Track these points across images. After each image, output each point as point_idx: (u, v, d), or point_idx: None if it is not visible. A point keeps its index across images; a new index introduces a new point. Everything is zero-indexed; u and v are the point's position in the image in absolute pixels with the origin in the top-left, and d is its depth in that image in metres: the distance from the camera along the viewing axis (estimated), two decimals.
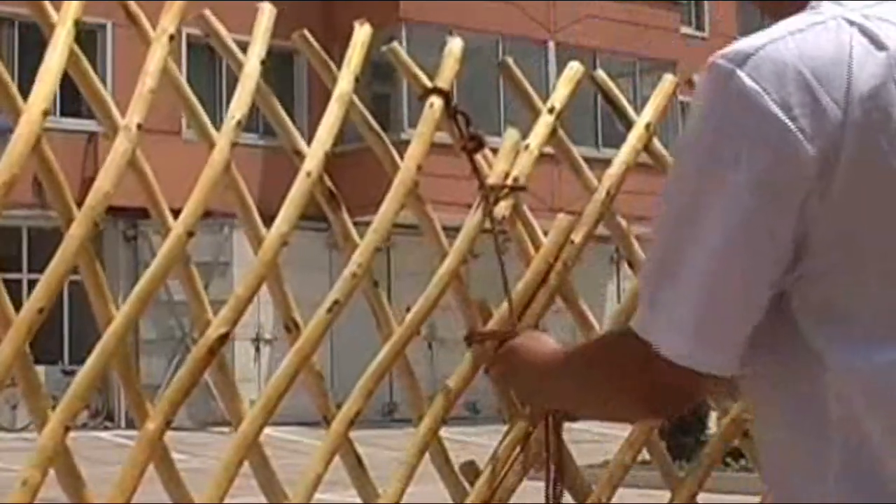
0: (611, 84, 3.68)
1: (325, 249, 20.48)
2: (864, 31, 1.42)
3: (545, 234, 3.39)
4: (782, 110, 1.38)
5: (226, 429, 3.37)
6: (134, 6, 3.00)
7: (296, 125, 3.30)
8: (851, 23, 1.42)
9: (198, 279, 3.03)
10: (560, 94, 3.48)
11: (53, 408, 2.67)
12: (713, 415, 8.03)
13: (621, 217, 3.58)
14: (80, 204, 2.73)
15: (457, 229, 3.20)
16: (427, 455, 3.18)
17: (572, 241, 3.35)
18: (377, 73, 16.88)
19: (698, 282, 1.43)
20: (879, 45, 1.41)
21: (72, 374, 3.23)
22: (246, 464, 2.94)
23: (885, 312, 1.43)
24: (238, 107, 3.01)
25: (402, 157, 3.23)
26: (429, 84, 3.27)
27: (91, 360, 2.72)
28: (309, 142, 3.13)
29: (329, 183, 3.17)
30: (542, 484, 2.94)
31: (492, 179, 3.26)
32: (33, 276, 17.54)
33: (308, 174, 3.05)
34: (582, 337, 3.37)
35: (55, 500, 2.86)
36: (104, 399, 21.99)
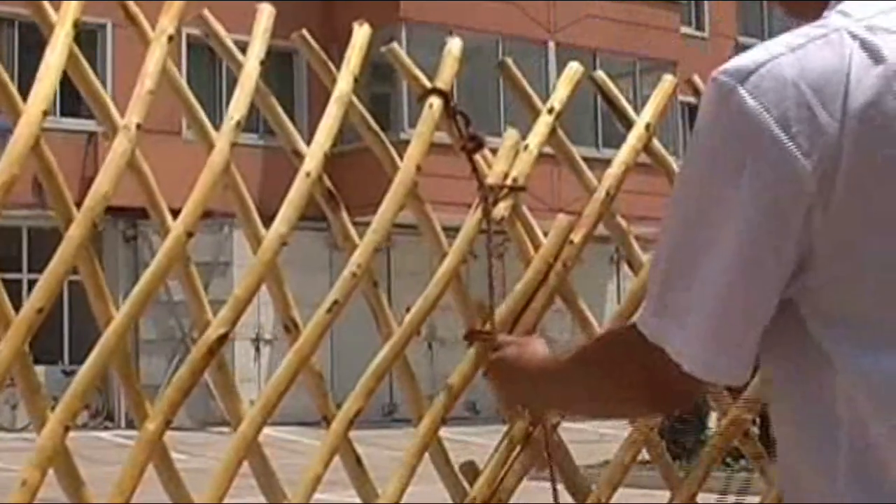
0: (610, 84, 3.68)
1: (325, 249, 20.47)
2: (865, 45, 1.43)
3: (545, 234, 3.39)
4: (781, 128, 1.40)
5: (225, 429, 3.37)
6: (133, 6, 3.00)
7: (296, 125, 3.30)
8: (854, 36, 1.43)
9: (197, 279, 3.03)
10: (560, 94, 3.48)
11: (53, 408, 2.68)
12: (713, 415, 8.03)
13: (621, 217, 3.58)
14: (80, 204, 2.73)
15: (456, 229, 3.21)
16: (427, 455, 3.18)
17: (572, 242, 3.35)
18: (377, 73, 16.92)
19: (710, 293, 1.45)
20: (878, 57, 1.42)
21: (72, 374, 3.23)
22: (245, 464, 2.94)
23: (891, 319, 1.44)
24: (237, 107, 3.01)
25: (401, 158, 3.23)
26: (428, 84, 3.27)
27: (91, 360, 2.72)
28: (309, 142, 3.13)
29: (328, 183, 3.17)
30: (542, 484, 2.94)
31: (491, 180, 3.26)
32: (33, 276, 17.52)
33: (307, 174, 3.05)
34: (582, 337, 3.37)
35: (55, 500, 2.86)
36: (104, 399, 21.99)
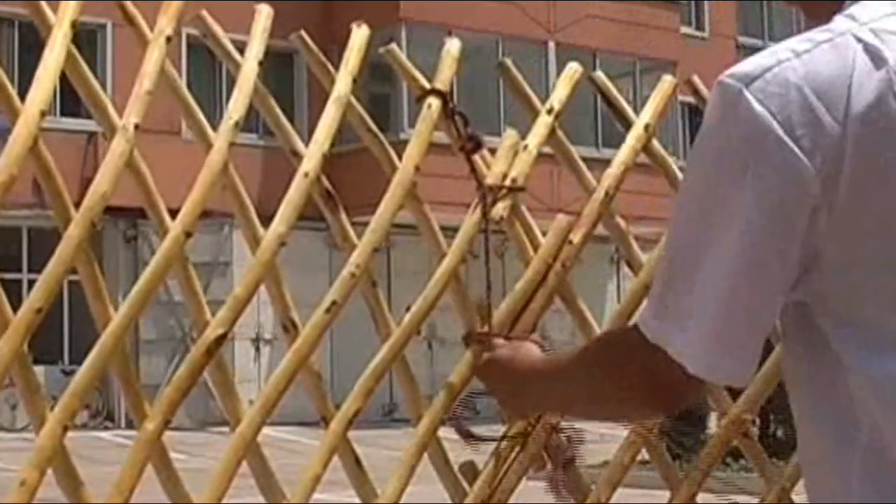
0: (610, 85, 3.68)
1: (324, 249, 20.47)
2: (868, 48, 1.44)
3: (544, 234, 3.39)
4: (786, 131, 1.42)
5: (224, 429, 3.37)
6: (131, 7, 3.00)
7: (295, 126, 3.30)
8: (858, 40, 1.45)
9: (196, 279, 3.03)
10: (559, 94, 3.48)
11: (52, 408, 2.68)
12: (713, 415, 8.03)
13: (620, 217, 3.58)
14: (79, 204, 2.73)
15: (455, 229, 3.21)
16: (426, 455, 3.18)
17: (571, 242, 3.35)
18: (376, 73, 16.90)
19: (714, 295, 1.46)
20: (881, 60, 1.44)
21: (71, 374, 3.23)
22: (244, 464, 2.94)
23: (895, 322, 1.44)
24: (236, 108, 3.01)
25: (400, 158, 3.24)
26: (427, 85, 3.27)
27: (90, 361, 2.72)
28: (307, 142, 3.14)
29: (327, 183, 3.18)
30: (542, 484, 2.94)
31: (490, 180, 3.26)
32: (33, 276, 17.53)
33: (306, 175, 3.05)
34: (582, 337, 3.37)
35: (54, 500, 2.86)
36: (104, 399, 21.99)
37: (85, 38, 18.74)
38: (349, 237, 3.18)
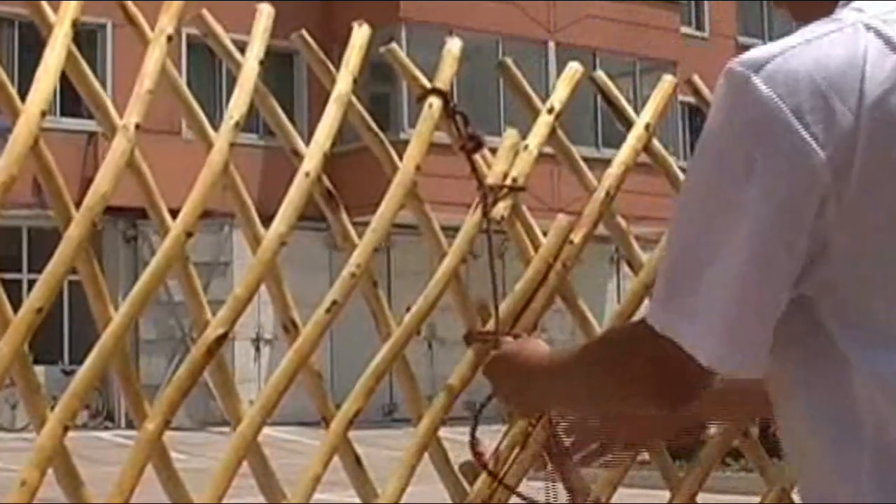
0: (610, 84, 3.68)
1: (325, 249, 20.47)
2: (880, 35, 1.43)
3: (544, 234, 3.39)
4: (796, 117, 1.40)
5: (225, 429, 3.37)
6: (132, 6, 3.00)
7: (295, 126, 3.30)
8: (868, 28, 1.43)
9: (196, 279, 3.03)
10: (559, 94, 3.48)
11: (52, 408, 2.67)
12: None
13: (621, 217, 3.58)
14: (79, 204, 2.73)
15: (456, 229, 3.21)
16: (427, 455, 3.18)
17: (571, 242, 3.35)
18: (376, 73, 16.89)
19: (723, 288, 1.45)
20: (894, 47, 1.42)
21: (71, 374, 3.23)
22: (245, 464, 2.94)
23: None
24: (236, 107, 3.01)
25: (400, 158, 3.24)
26: (427, 84, 3.27)
27: (90, 361, 2.72)
28: (308, 142, 3.14)
29: (328, 183, 3.17)
30: (542, 484, 2.94)
31: (491, 179, 3.26)
32: (33, 276, 17.53)
33: (307, 174, 3.05)
34: (582, 337, 3.37)
35: (54, 500, 2.85)
36: (104, 399, 21.98)
37: (85, 38, 18.74)
38: (350, 237, 3.18)
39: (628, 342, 1.61)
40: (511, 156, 3.33)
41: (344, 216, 3.21)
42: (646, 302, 3.21)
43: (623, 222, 3.58)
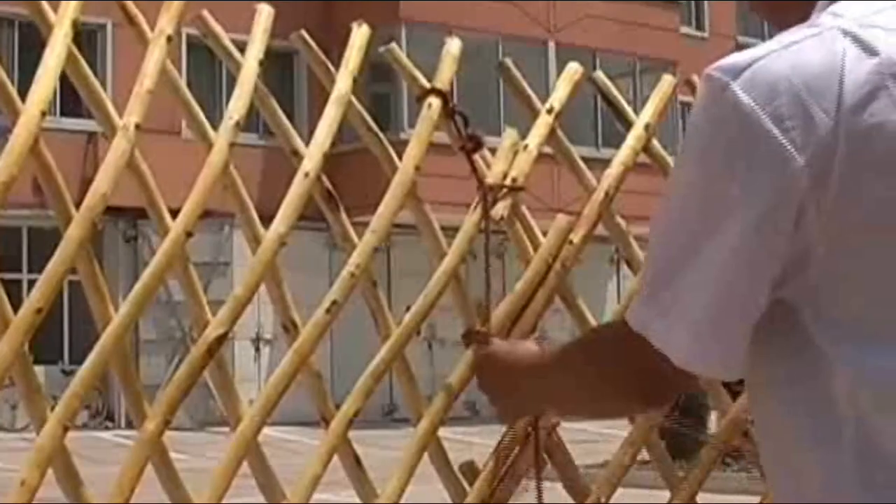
0: (610, 85, 3.68)
1: (324, 249, 20.47)
2: (858, 40, 1.43)
3: (544, 234, 3.39)
4: (774, 123, 1.40)
5: (225, 429, 3.37)
6: (132, 7, 3.00)
7: (295, 126, 3.30)
8: (846, 33, 1.43)
9: (196, 279, 3.03)
10: (559, 94, 3.49)
11: (53, 408, 2.68)
12: (713, 415, 8.03)
13: (620, 217, 3.58)
14: (79, 204, 2.73)
15: (455, 229, 3.21)
16: (427, 455, 3.18)
17: (571, 242, 3.35)
18: (376, 73, 16.90)
19: (702, 287, 1.46)
20: (871, 51, 1.42)
21: (71, 374, 3.23)
22: (245, 464, 2.94)
23: (891, 316, 1.44)
24: (236, 107, 3.01)
25: (400, 158, 3.24)
26: (427, 85, 3.28)
27: (90, 361, 2.72)
28: (308, 142, 3.14)
29: (327, 183, 3.18)
30: (542, 484, 2.94)
31: (490, 179, 3.26)
32: (33, 276, 17.53)
33: (306, 175, 3.05)
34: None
35: (54, 500, 2.86)
36: (104, 399, 21.98)
37: (85, 38, 18.74)
38: (349, 237, 3.18)
39: (609, 341, 1.63)
40: (511, 156, 3.33)
41: (343, 216, 3.21)
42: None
43: (623, 222, 3.59)
